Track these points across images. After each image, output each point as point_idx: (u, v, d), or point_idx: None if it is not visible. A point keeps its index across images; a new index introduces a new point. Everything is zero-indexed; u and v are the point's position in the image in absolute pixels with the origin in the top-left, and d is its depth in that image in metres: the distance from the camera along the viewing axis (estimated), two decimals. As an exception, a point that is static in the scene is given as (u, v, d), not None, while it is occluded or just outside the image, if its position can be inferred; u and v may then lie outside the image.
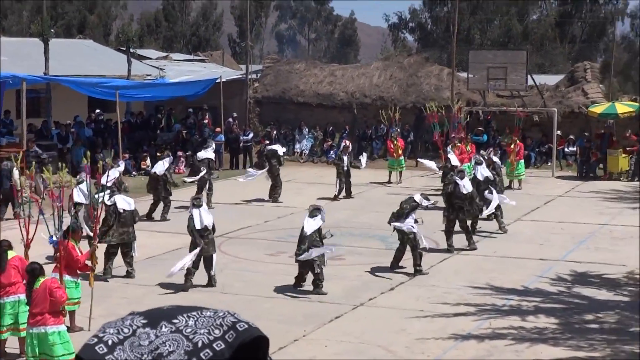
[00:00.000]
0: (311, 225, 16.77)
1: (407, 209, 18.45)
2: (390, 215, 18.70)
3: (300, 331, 14.63)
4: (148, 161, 32.54)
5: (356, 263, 19.39)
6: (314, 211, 17.10)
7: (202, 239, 16.86)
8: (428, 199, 19.32)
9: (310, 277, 16.93)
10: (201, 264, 17.01)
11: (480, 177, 22.83)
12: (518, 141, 30.56)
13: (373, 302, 16.63)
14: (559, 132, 35.01)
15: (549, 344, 14.09)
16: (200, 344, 1.71)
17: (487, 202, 22.20)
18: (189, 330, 1.74)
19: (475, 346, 14.09)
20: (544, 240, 22.02)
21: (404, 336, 14.53)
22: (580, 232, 23.04)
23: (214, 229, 17.31)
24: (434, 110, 30.57)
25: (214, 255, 17.23)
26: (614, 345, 14.01)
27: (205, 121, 36.87)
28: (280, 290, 17.13)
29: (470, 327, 14.97)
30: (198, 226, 16.93)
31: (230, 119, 36.77)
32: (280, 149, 28.18)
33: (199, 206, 17.33)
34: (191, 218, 17.10)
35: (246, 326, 1.75)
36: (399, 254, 18.71)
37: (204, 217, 17.09)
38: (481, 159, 24.23)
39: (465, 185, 20.68)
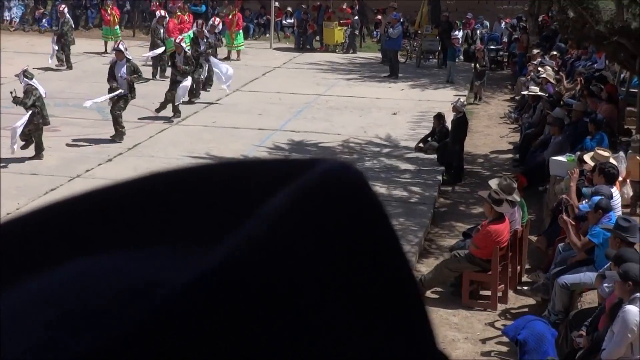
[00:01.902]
0: None
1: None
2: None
3: (13, 205, 13.89)
4: None
5: (72, 134, 18.64)
6: None
7: None
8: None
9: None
10: None
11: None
12: (237, 12, 30.42)
13: (90, 173, 16.13)
14: (277, 3, 35.21)
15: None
16: None
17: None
18: None
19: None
20: (262, 110, 22.21)
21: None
22: (298, 102, 23.46)
23: None
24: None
25: None
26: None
27: None
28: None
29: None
30: None
31: None
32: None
33: None
34: None
35: None
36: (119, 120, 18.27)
37: None
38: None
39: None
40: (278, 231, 0.53)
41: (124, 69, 18.55)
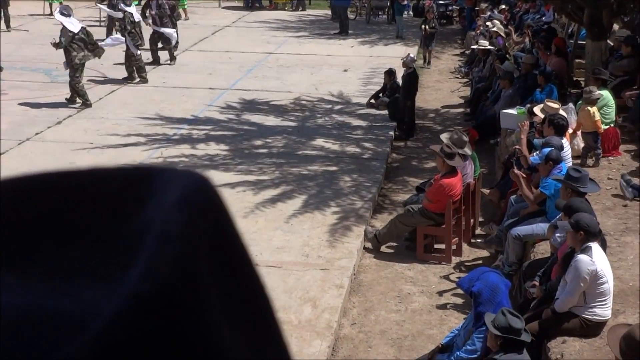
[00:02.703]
0: None
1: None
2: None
3: (-41, 171, 13.68)
4: None
5: (20, 97, 18.34)
6: None
7: None
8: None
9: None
10: None
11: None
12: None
13: (40, 136, 15.90)
14: (224, -39, 34.85)
15: (220, 170, 14.26)
16: None
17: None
18: None
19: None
20: (212, 70, 22.04)
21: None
22: (248, 61, 23.30)
23: None
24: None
25: None
26: (282, 168, 14.45)
27: None
28: None
29: (141, 157, 14.77)
30: None
31: None
32: None
33: None
34: None
35: None
36: (80, 86, 17.87)
37: None
38: None
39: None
40: (179, 256, 0.59)
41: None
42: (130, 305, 0.55)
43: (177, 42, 22.69)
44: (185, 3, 30.33)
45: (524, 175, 10.71)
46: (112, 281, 0.58)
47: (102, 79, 20.00)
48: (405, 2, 28.95)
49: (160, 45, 22.11)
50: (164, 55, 22.24)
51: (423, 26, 23.56)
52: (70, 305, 0.56)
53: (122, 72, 20.23)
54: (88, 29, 18.07)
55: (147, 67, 20.67)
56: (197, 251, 0.61)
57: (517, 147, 11.65)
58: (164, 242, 0.59)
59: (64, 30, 17.36)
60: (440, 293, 10.41)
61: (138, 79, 20.08)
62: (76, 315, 0.56)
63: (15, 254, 0.60)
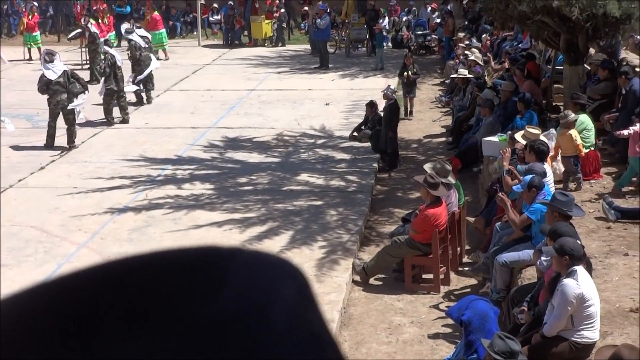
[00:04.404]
0: None
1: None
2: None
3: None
4: None
5: (2, 144, 18.32)
6: None
7: None
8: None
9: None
10: None
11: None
12: (155, 13, 30.40)
13: (23, 182, 15.89)
14: (202, 0, 35.03)
15: (205, 209, 14.28)
16: None
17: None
18: None
19: (133, 218, 13.96)
20: (194, 108, 22.10)
21: (58, 214, 14.06)
22: (230, 98, 23.39)
23: None
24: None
25: None
26: (268, 204, 14.48)
27: None
28: None
29: (126, 200, 14.78)
30: None
31: None
32: None
33: None
34: None
35: None
36: (52, 131, 18.00)
37: None
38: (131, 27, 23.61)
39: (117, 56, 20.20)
40: None
41: None
42: None
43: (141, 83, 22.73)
44: (165, 43, 30.47)
45: (510, 201, 10.77)
46: None
47: (84, 121, 20.00)
48: (385, 35, 29.18)
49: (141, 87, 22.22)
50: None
51: (405, 73, 21.00)
52: None
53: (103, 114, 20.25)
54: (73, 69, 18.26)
55: (128, 109, 20.73)
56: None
57: (505, 176, 11.69)
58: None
59: (41, 76, 17.65)
60: (431, 323, 10.42)
61: (118, 118, 20.17)
62: None
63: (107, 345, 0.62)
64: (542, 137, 12.37)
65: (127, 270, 0.66)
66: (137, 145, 18.46)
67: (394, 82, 23.01)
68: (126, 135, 19.39)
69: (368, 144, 17.88)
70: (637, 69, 14.93)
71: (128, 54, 22.10)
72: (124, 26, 23.45)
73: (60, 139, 18.12)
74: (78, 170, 16.58)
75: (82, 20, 28.24)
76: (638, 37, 20.23)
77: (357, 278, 11.63)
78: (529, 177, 10.43)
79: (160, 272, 0.65)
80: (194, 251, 0.67)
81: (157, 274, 0.65)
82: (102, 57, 20.29)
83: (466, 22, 28.58)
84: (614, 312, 8.54)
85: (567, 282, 7.66)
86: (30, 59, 29.98)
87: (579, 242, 8.20)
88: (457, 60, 23.31)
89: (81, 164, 17.03)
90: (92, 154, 17.80)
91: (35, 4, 31.93)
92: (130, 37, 21.79)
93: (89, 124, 19.99)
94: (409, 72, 20.96)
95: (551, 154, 12.36)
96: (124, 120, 20.22)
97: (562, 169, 12.81)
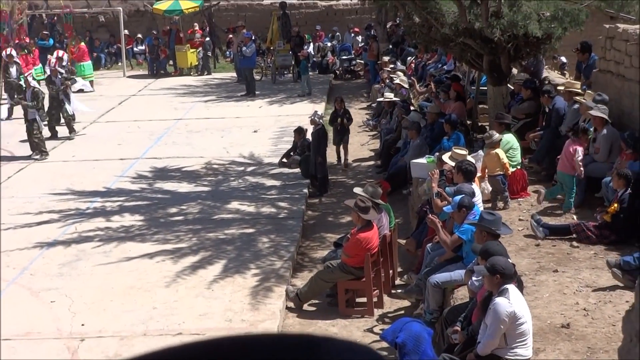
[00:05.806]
0: None
1: None
2: None
3: None
4: None
5: None
6: None
7: None
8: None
9: None
10: None
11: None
12: (82, 44, 30.17)
13: (-53, 221, 15.55)
14: (126, 31, 34.83)
15: (136, 241, 14.14)
16: None
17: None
18: None
19: (62, 252, 13.76)
20: (121, 140, 21.92)
21: (-15, 252, 13.78)
22: (157, 128, 23.25)
23: None
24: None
25: None
26: (199, 234, 14.40)
27: None
28: None
29: (55, 234, 14.57)
30: None
31: None
32: None
33: None
34: None
35: None
36: None
37: None
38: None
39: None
40: None
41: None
42: None
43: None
44: (91, 75, 30.21)
45: (441, 223, 10.88)
46: None
47: (10, 155, 19.71)
48: (311, 61, 29.33)
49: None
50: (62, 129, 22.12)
51: (339, 119, 19.18)
52: None
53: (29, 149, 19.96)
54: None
55: (55, 142, 20.46)
56: None
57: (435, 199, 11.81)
58: None
59: None
60: (366, 346, 10.43)
61: (38, 154, 19.91)
62: None
63: None
64: (469, 158, 12.54)
65: (225, 354, 0.70)
66: (65, 178, 18.22)
67: (321, 107, 23.16)
68: (53, 168, 19.13)
69: (298, 170, 17.92)
70: (559, 88, 15.23)
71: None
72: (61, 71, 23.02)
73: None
74: (4, 206, 16.29)
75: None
76: (562, 58, 20.68)
77: (291, 304, 11.62)
78: (458, 197, 10.55)
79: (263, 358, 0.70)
80: (291, 339, 0.72)
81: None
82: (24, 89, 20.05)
83: (390, 46, 28.91)
84: (545, 328, 8.67)
85: (499, 300, 7.76)
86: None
87: (510, 261, 8.32)
88: (382, 84, 23.55)
89: (7, 199, 16.74)
90: (18, 189, 17.52)
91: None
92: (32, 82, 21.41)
93: (16, 158, 19.67)
94: (344, 119, 19.25)
95: (478, 174, 12.53)
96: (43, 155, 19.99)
97: (490, 189, 12.99)
